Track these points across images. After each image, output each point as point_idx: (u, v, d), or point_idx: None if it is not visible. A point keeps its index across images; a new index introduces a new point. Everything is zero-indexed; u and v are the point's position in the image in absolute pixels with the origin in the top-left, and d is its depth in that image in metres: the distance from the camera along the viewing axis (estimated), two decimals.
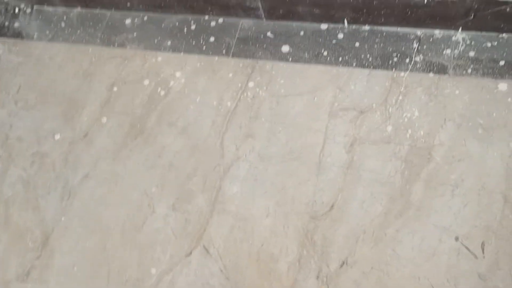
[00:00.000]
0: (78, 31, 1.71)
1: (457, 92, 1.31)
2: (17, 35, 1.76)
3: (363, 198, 1.25)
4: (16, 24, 1.79)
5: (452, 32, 1.38)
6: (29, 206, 1.43)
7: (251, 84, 1.47)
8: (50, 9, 1.79)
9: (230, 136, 1.40)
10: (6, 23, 1.80)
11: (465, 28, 1.36)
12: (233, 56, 1.52)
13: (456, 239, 1.16)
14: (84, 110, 1.55)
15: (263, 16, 1.53)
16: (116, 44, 1.65)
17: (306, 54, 1.47)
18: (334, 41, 1.47)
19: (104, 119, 1.52)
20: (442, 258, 1.15)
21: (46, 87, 1.62)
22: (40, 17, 1.79)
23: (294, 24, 1.52)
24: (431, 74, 1.35)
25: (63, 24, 1.74)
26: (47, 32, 1.74)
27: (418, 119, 1.30)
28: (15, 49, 1.73)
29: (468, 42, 1.36)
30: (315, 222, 1.25)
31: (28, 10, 1.81)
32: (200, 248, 1.29)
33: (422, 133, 1.28)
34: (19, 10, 1.82)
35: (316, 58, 1.45)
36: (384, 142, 1.30)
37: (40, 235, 1.39)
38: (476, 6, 1.29)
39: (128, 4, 1.66)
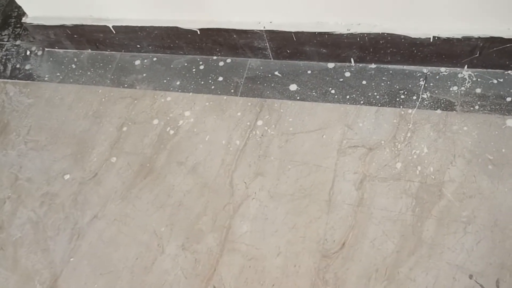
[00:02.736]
0: (88, 73, 1.74)
1: (465, 128, 1.32)
2: (28, 77, 1.80)
3: (375, 236, 1.24)
4: (28, 66, 1.83)
5: (458, 69, 1.40)
6: (38, 248, 1.42)
7: (259, 122, 1.48)
8: (61, 51, 1.83)
9: (239, 174, 1.41)
10: (18, 65, 1.84)
11: (471, 65, 1.38)
12: (241, 95, 1.55)
13: (471, 277, 1.14)
14: (94, 150, 1.56)
15: (270, 55, 1.56)
16: (126, 84, 1.68)
17: (314, 92, 1.49)
18: (341, 80, 1.49)
19: (113, 159, 1.53)
20: None
21: (56, 128, 1.64)
22: (51, 59, 1.83)
23: (302, 63, 1.55)
24: (438, 111, 1.36)
25: (73, 66, 1.78)
26: (58, 73, 1.77)
27: (427, 155, 1.31)
28: (26, 90, 1.76)
29: (474, 79, 1.38)
30: (326, 261, 1.24)
31: (39, 53, 1.85)
32: None
33: (432, 169, 1.28)
34: (30, 52, 1.86)
35: (324, 96, 1.47)
36: (394, 179, 1.30)
37: (49, 277, 1.37)
38: (481, 44, 1.31)
39: (138, 46, 1.70)
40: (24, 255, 1.42)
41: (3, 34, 1.95)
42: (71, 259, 1.39)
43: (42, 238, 1.44)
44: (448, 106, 1.36)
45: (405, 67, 1.45)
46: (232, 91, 1.56)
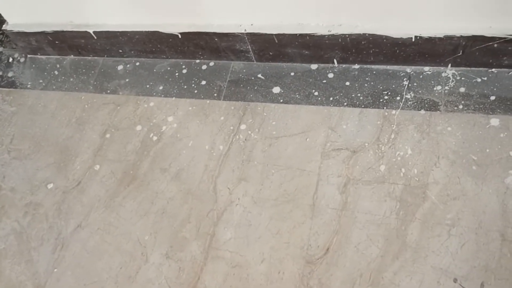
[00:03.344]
0: (71, 79, 1.72)
1: (449, 128, 1.30)
2: (11, 84, 1.78)
3: (359, 240, 1.23)
4: (10, 74, 1.81)
5: (441, 68, 1.38)
6: (22, 259, 1.41)
7: (243, 126, 1.46)
8: (43, 57, 1.81)
9: (223, 180, 1.39)
10: (0, 73, 1.82)
11: (454, 64, 1.36)
12: (224, 99, 1.53)
13: (455, 280, 1.13)
14: (77, 158, 1.54)
15: (253, 58, 1.55)
16: (108, 90, 1.66)
17: (297, 94, 1.47)
18: (324, 81, 1.47)
19: (97, 167, 1.51)
20: None
21: (39, 136, 1.62)
22: (33, 65, 1.81)
23: (284, 65, 1.53)
24: (422, 111, 1.34)
25: (56, 72, 1.76)
26: (41, 80, 1.75)
27: (411, 157, 1.29)
28: (8, 98, 1.75)
29: (458, 78, 1.36)
30: (310, 266, 1.23)
31: (22, 60, 1.83)
32: None
33: (416, 171, 1.27)
34: (12, 59, 1.84)
35: (307, 99, 1.45)
36: (378, 182, 1.28)
37: None
38: (464, 43, 1.29)
39: (120, 50, 1.68)
40: (8, 266, 1.41)
41: None
42: (55, 270, 1.37)
43: (26, 249, 1.43)
44: (432, 106, 1.34)
45: (388, 67, 1.43)
46: (215, 95, 1.54)
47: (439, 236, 1.18)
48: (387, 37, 1.34)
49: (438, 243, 1.17)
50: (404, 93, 1.38)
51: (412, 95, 1.37)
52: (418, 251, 1.18)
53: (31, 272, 1.38)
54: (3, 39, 1.90)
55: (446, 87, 1.36)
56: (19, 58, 1.84)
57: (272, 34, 1.44)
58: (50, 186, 1.51)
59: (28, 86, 1.75)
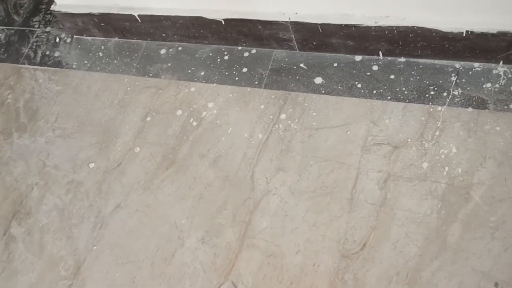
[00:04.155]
0: (115, 61, 1.75)
1: (497, 128, 1.26)
2: (57, 64, 1.82)
3: (397, 237, 1.21)
4: (57, 54, 1.85)
5: (492, 65, 1.33)
6: (63, 235, 1.45)
7: (283, 116, 1.45)
8: (89, 39, 1.84)
9: (261, 169, 1.39)
10: (47, 52, 1.86)
11: (507, 61, 1.31)
12: (265, 87, 1.52)
13: (496, 285, 1.10)
14: (118, 139, 1.57)
15: (296, 47, 1.53)
16: (151, 74, 1.67)
17: (340, 86, 1.45)
18: (368, 73, 1.44)
19: (137, 149, 1.54)
20: None
21: (83, 116, 1.66)
22: (79, 46, 1.84)
23: (328, 55, 1.50)
24: (470, 109, 1.30)
25: (100, 54, 1.79)
26: (86, 61, 1.78)
27: (456, 156, 1.25)
28: (54, 77, 1.79)
29: (510, 75, 1.31)
30: (346, 261, 1.22)
31: (68, 40, 1.87)
32: (229, 283, 1.27)
33: (460, 171, 1.23)
34: (59, 39, 1.88)
35: (350, 91, 1.43)
36: (420, 180, 1.25)
37: (73, 263, 1.40)
38: None
39: (163, 34, 1.69)
40: (50, 241, 1.46)
41: (34, 20, 1.98)
42: (94, 247, 1.41)
43: (67, 225, 1.47)
44: (481, 104, 1.30)
45: (436, 61, 1.38)
46: (256, 82, 1.54)
47: (481, 238, 1.15)
48: (436, 31, 1.30)
49: (480, 245, 1.14)
50: (452, 89, 1.34)
51: (460, 91, 1.33)
52: (459, 252, 1.15)
53: (72, 248, 1.43)
54: (50, 19, 1.94)
55: (497, 85, 1.31)
56: (65, 38, 1.88)
57: (316, 24, 1.42)
58: (91, 165, 1.55)
59: (74, 66, 1.79)
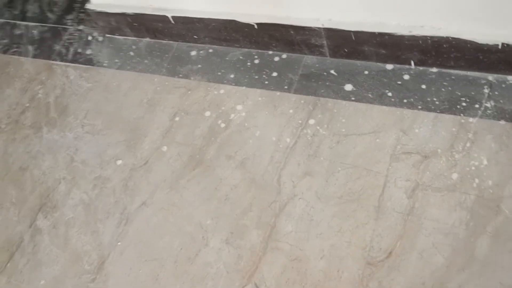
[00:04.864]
0: (146, 61, 1.77)
1: None
2: (89, 61, 1.85)
3: (424, 247, 1.20)
4: (88, 51, 1.88)
5: None
6: (88, 230, 1.47)
7: (311, 121, 1.46)
8: (120, 38, 1.87)
9: (287, 172, 1.39)
10: (79, 50, 1.90)
11: None
12: (295, 92, 1.53)
13: None
14: (146, 138, 1.59)
15: (327, 53, 1.53)
16: (181, 74, 1.69)
17: (370, 94, 1.45)
18: (399, 82, 1.44)
19: (164, 148, 1.55)
20: None
21: (112, 113, 1.68)
22: (110, 45, 1.87)
23: (359, 63, 1.51)
24: (502, 122, 1.29)
25: (131, 53, 1.81)
26: (116, 60, 1.81)
27: (487, 168, 1.24)
28: (86, 75, 1.82)
29: None
30: (371, 268, 1.21)
31: (100, 38, 1.90)
32: (251, 285, 1.27)
33: (490, 183, 1.22)
34: (92, 38, 1.91)
35: (380, 99, 1.43)
36: (449, 190, 1.24)
37: (97, 258, 1.42)
38: None
39: (195, 36, 1.71)
40: (75, 235, 1.47)
41: (68, 18, 2.01)
42: (119, 243, 1.42)
43: (92, 220, 1.49)
44: None
45: (469, 73, 1.38)
46: (286, 87, 1.54)
47: (510, 252, 1.13)
48: (471, 42, 1.29)
49: (509, 259, 1.13)
50: (484, 101, 1.33)
51: (493, 104, 1.32)
52: (486, 266, 1.14)
53: (96, 243, 1.44)
54: (84, 17, 1.97)
55: None
56: (97, 37, 1.91)
57: (350, 31, 1.42)
58: (119, 162, 1.57)
59: (105, 64, 1.82)
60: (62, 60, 1.89)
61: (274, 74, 1.59)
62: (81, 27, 1.96)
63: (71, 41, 1.93)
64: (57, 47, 1.93)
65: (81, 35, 1.94)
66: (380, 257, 1.22)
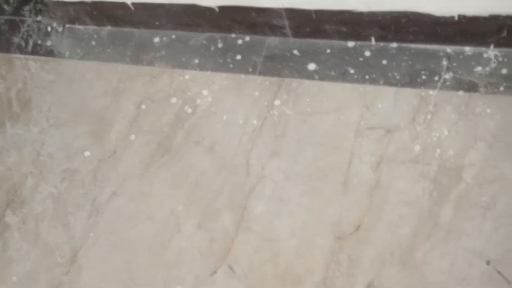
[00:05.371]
0: (108, 50, 1.75)
1: (488, 111, 1.28)
2: (49, 53, 1.81)
3: (391, 219, 1.23)
4: (49, 43, 1.84)
5: (483, 49, 1.35)
6: (59, 223, 1.46)
7: (277, 102, 1.46)
8: (81, 27, 1.84)
9: (256, 154, 1.40)
10: (39, 42, 1.85)
11: (497, 45, 1.33)
12: (259, 74, 1.53)
13: (488, 263, 1.13)
14: (113, 128, 1.57)
15: (289, 34, 1.54)
16: (144, 62, 1.67)
17: (333, 72, 1.46)
18: (361, 59, 1.45)
19: (132, 137, 1.54)
20: (472, 283, 1.12)
21: (76, 105, 1.66)
22: (71, 35, 1.84)
23: (321, 42, 1.51)
24: (461, 92, 1.32)
25: (93, 43, 1.78)
26: (78, 50, 1.78)
27: (448, 138, 1.28)
28: (47, 67, 1.78)
29: (500, 59, 1.33)
30: (341, 243, 1.24)
31: (60, 29, 1.86)
32: (225, 267, 1.28)
33: (451, 153, 1.26)
34: (51, 28, 1.87)
35: (343, 76, 1.44)
36: (412, 162, 1.27)
37: (69, 251, 1.41)
38: (509, 23, 1.26)
39: (157, 22, 1.68)
40: (45, 229, 1.46)
41: (25, 9, 1.96)
42: (91, 235, 1.42)
43: (62, 214, 1.47)
44: (472, 88, 1.32)
45: (428, 46, 1.40)
46: (250, 70, 1.54)
47: (473, 218, 1.17)
48: (429, 15, 1.31)
49: (471, 226, 1.17)
50: (443, 73, 1.36)
51: (451, 75, 1.35)
52: (451, 233, 1.17)
53: (68, 235, 1.43)
54: (41, 8, 1.93)
55: (487, 69, 1.33)
56: (57, 27, 1.87)
57: (310, 10, 1.42)
58: (86, 154, 1.55)
59: (66, 55, 1.78)
60: (22, 53, 1.85)
61: (238, 57, 1.58)
62: (39, 18, 1.91)
63: (30, 33, 1.89)
64: (16, 40, 1.89)
65: (40, 26, 1.90)
66: (349, 231, 1.24)
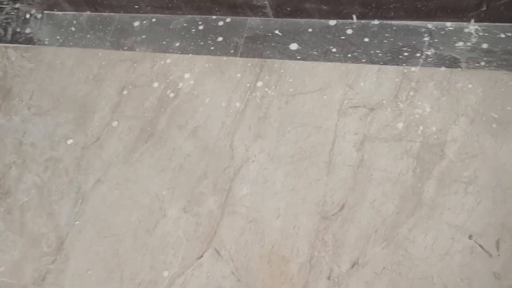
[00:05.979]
0: (88, 35, 1.72)
1: (470, 86, 1.28)
2: (29, 41, 1.78)
3: (374, 197, 1.23)
4: (28, 30, 1.81)
5: (464, 24, 1.34)
6: (44, 212, 1.45)
7: (259, 83, 1.45)
8: (60, 14, 1.81)
9: (239, 137, 1.40)
10: (18, 29, 1.82)
11: (478, 19, 1.32)
12: (241, 55, 1.51)
13: (470, 237, 1.14)
14: (95, 114, 1.56)
15: (270, 14, 1.52)
16: (125, 47, 1.65)
17: (315, 51, 1.45)
18: (343, 37, 1.44)
19: (115, 123, 1.53)
20: (455, 257, 1.13)
21: (58, 92, 1.64)
22: (50, 22, 1.81)
23: (302, 21, 1.50)
24: (443, 68, 1.32)
25: (73, 29, 1.75)
26: (58, 37, 1.75)
27: (430, 115, 1.27)
28: (27, 55, 1.75)
29: (481, 33, 1.32)
30: (325, 222, 1.24)
31: (39, 16, 1.83)
32: (212, 250, 1.29)
33: (434, 129, 1.25)
34: (30, 16, 1.84)
35: (325, 55, 1.43)
36: (395, 140, 1.27)
37: (55, 240, 1.41)
38: None
39: (136, 6, 1.66)
40: (30, 219, 1.45)
41: None
42: (76, 223, 1.41)
43: (47, 203, 1.46)
44: (453, 63, 1.31)
45: (409, 22, 1.39)
46: (232, 51, 1.53)
47: (455, 193, 1.18)
48: None
49: (454, 201, 1.17)
50: (425, 49, 1.35)
51: (433, 51, 1.34)
52: (434, 208, 1.18)
53: (53, 224, 1.42)
54: None
55: (468, 43, 1.32)
56: (36, 14, 1.84)
57: None
58: (69, 141, 1.54)
59: (46, 42, 1.76)
60: (1, 42, 1.82)
61: (220, 39, 1.57)
62: (17, 5, 1.88)
63: (9, 20, 1.85)
64: None
65: (18, 14, 1.86)
66: (333, 211, 1.24)
